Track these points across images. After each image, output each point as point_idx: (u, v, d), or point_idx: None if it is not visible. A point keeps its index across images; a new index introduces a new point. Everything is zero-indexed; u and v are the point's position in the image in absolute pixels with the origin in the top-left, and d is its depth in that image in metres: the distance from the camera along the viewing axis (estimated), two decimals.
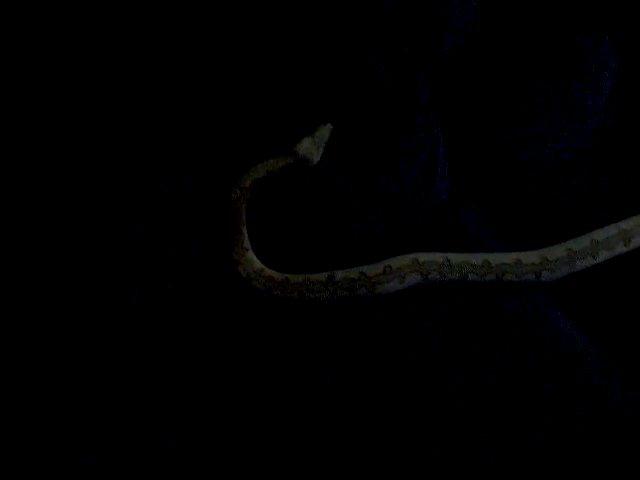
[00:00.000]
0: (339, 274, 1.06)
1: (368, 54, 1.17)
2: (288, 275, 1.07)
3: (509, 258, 1.09)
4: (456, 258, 1.09)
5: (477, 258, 1.09)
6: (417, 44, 1.23)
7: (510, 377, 0.96)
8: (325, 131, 1.13)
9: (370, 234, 1.19)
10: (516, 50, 1.32)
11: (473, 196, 1.35)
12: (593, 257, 1.11)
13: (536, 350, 1.01)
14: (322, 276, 1.06)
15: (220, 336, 1.03)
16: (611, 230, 1.14)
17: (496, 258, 1.09)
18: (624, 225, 1.15)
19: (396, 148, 1.20)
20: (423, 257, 1.08)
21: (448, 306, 1.07)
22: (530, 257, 1.09)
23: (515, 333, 1.03)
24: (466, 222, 1.27)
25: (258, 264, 1.08)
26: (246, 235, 1.09)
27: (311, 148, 1.12)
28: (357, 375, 0.96)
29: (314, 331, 1.04)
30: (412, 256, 1.08)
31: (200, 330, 1.04)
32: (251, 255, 1.08)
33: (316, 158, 1.13)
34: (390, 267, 1.06)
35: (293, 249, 1.15)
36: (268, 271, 1.08)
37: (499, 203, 1.34)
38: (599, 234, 1.13)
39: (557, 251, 1.10)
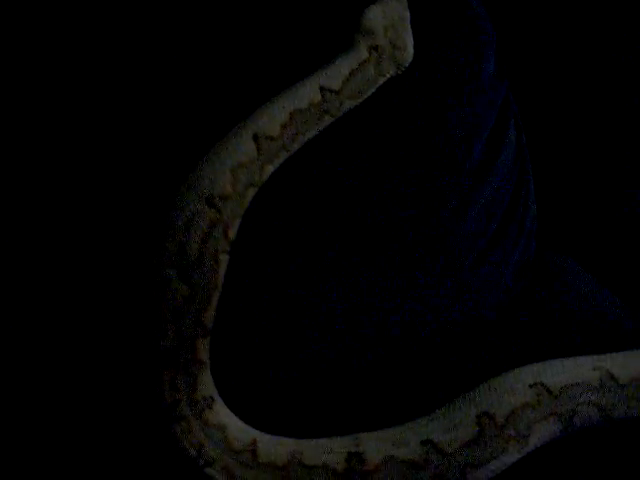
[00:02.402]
0: (371, 447, 0.45)
1: None
2: (258, 437, 0.47)
3: None
4: (621, 366, 0.49)
5: None
6: None
7: None
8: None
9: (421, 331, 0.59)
10: None
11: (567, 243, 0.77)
12: None
13: None
14: (334, 455, 0.46)
15: None
16: None
17: None
18: None
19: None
20: (552, 376, 0.47)
21: None
22: None
23: None
24: (575, 286, 0.68)
25: (216, 407, 0.48)
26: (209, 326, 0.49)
27: (390, 21, 0.56)
28: None
29: None
30: (529, 378, 0.47)
31: None
32: (207, 378, 0.48)
33: (409, 41, 0.57)
34: (491, 418, 0.45)
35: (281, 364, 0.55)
36: (231, 427, 0.48)
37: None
38: None
39: None
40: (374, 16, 0.55)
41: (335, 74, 0.53)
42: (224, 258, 0.48)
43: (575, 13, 0.74)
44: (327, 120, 0.54)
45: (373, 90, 0.56)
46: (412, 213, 0.60)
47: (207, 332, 0.47)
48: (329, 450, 0.46)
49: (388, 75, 0.56)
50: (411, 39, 0.57)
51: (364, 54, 0.54)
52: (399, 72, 0.57)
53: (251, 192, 0.51)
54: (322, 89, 0.52)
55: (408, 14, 0.57)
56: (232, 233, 0.49)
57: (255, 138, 0.50)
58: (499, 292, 0.66)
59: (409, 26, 0.57)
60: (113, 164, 0.54)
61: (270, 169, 0.52)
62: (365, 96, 0.55)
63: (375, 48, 0.55)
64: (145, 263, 0.48)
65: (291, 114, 0.51)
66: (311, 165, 0.57)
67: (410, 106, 0.61)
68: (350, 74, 0.54)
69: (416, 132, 0.61)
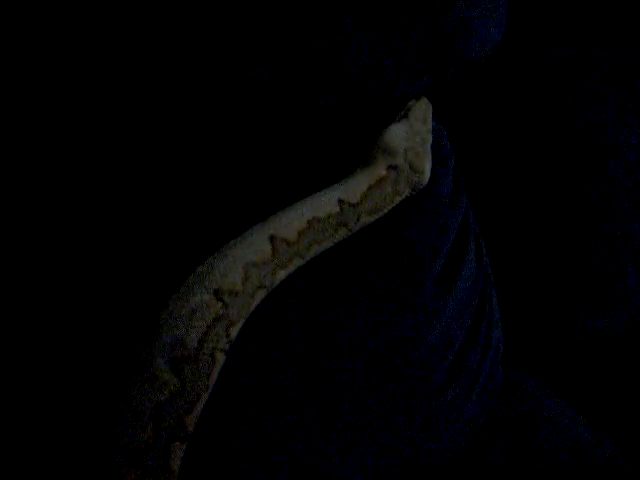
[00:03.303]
0: None
1: None
2: None
3: None
4: None
5: None
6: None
7: None
8: (424, 109, 0.59)
9: None
10: None
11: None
12: None
13: None
14: None
15: None
16: None
17: None
18: None
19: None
20: None
21: None
22: None
23: None
24: (545, 413, 0.68)
25: None
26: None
27: (412, 143, 0.57)
28: None
29: None
30: None
31: None
32: None
33: (427, 166, 0.57)
34: None
35: None
36: None
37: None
38: None
39: None
40: (396, 135, 0.57)
41: (354, 188, 0.53)
42: (221, 358, 0.45)
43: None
44: (343, 233, 0.53)
45: (390, 208, 0.56)
46: (368, 335, 0.58)
47: (186, 437, 0.42)
48: None
49: (403, 196, 0.57)
50: (430, 163, 0.58)
51: (382, 172, 0.55)
52: (413, 193, 0.58)
53: (260, 295, 0.48)
54: (340, 202, 0.52)
55: (431, 138, 0.59)
56: (234, 333, 0.46)
57: (271, 239, 0.49)
58: (463, 422, 0.63)
59: (429, 149, 0.58)
60: (123, 239, 0.51)
61: (282, 275, 0.50)
62: (382, 213, 0.55)
63: (394, 168, 0.55)
64: (136, 348, 0.44)
65: (309, 222, 0.50)
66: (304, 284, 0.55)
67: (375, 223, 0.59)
68: (368, 189, 0.54)
69: (380, 249, 0.60)
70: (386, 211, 0.56)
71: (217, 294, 0.46)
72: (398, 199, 0.56)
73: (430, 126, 0.60)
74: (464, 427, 0.64)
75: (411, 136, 0.57)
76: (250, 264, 0.48)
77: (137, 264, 0.51)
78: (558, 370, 0.80)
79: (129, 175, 0.53)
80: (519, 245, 0.78)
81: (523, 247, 0.78)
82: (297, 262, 0.51)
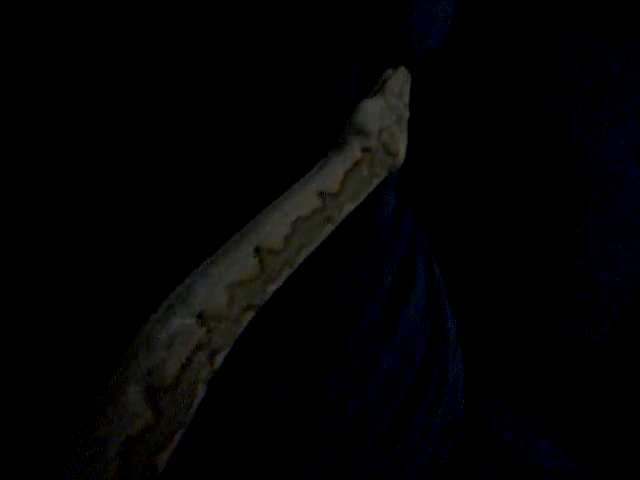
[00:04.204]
0: None
1: None
2: None
3: None
4: None
5: None
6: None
7: None
8: (401, 81, 0.55)
9: None
10: None
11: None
12: None
13: None
14: None
15: None
16: None
17: None
18: None
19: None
20: None
21: None
22: None
23: None
24: (511, 441, 0.67)
25: None
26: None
27: (387, 121, 0.52)
28: None
29: None
30: None
31: None
32: None
33: (402, 146, 0.54)
34: None
35: None
36: None
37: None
38: None
39: None
40: (370, 113, 0.52)
41: (331, 176, 0.49)
42: (202, 390, 0.40)
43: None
44: (329, 228, 0.49)
45: (368, 191, 0.52)
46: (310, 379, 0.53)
47: (155, 479, 0.37)
48: None
49: (380, 178, 0.53)
50: (405, 142, 0.54)
51: (357, 154, 0.51)
52: (388, 175, 0.55)
53: (248, 316, 0.44)
54: (321, 194, 0.48)
55: (408, 113, 0.55)
56: (218, 362, 0.41)
57: (257, 252, 0.44)
58: (422, 464, 0.60)
59: (406, 127, 0.55)
60: (92, 256, 0.45)
61: (272, 289, 0.45)
62: (362, 198, 0.51)
63: (368, 150, 0.52)
64: (108, 371, 0.38)
65: (293, 224, 0.46)
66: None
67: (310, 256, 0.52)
68: (345, 175, 0.50)
69: (325, 280, 0.54)
70: (365, 195, 0.52)
71: (200, 318, 0.41)
72: (376, 181, 0.53)
73: (407, 100, 0.56)
74: (427, 465, 0.61)
75: (386, 113, 0.53)
76: (236, 284, 0.43)
77: (109, 281, 0.45)
78: (529, 388, 0.77)
79: (98, 188, 0.47)
80: (480, 250, 0.74)
81: (486, 251, 0.74)
82: (287, 272, 0.46)
